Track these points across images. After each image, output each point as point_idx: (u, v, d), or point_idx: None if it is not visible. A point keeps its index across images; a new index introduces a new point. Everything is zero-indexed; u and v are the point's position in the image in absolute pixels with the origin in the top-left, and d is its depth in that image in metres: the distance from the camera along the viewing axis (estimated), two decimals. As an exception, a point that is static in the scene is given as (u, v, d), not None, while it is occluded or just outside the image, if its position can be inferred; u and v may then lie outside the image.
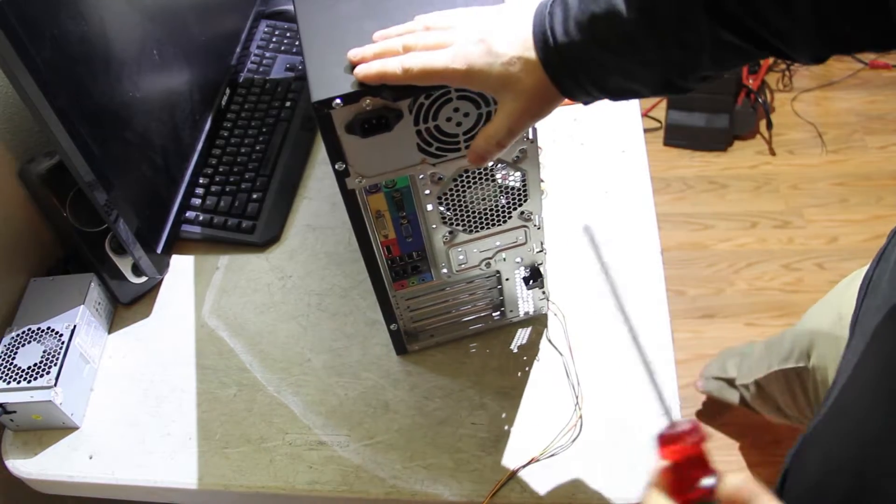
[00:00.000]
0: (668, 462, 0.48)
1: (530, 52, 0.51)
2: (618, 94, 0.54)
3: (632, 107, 1.03)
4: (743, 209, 1.92)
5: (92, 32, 0.78)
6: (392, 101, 0.56)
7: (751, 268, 1.80)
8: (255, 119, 1.06)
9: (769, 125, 2.05)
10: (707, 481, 0.46)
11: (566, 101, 0.55)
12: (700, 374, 1.50)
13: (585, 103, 0.55)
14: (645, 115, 2.08)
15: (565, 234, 0.90)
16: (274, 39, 1.19)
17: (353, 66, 0.56)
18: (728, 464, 1.49)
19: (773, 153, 2.04)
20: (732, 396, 1.40)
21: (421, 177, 0.64)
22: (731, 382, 1.38)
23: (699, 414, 1.52)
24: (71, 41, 0.74)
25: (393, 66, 0.54)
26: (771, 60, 2.16)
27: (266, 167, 1.01)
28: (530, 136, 0.63)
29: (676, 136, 2.07)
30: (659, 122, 2.10)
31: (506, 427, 0.76)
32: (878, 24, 0.45)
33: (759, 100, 2.03)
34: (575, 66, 0.51)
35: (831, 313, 0.95)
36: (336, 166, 0.60)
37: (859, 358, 0.54)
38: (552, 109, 0.55)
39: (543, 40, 0.51)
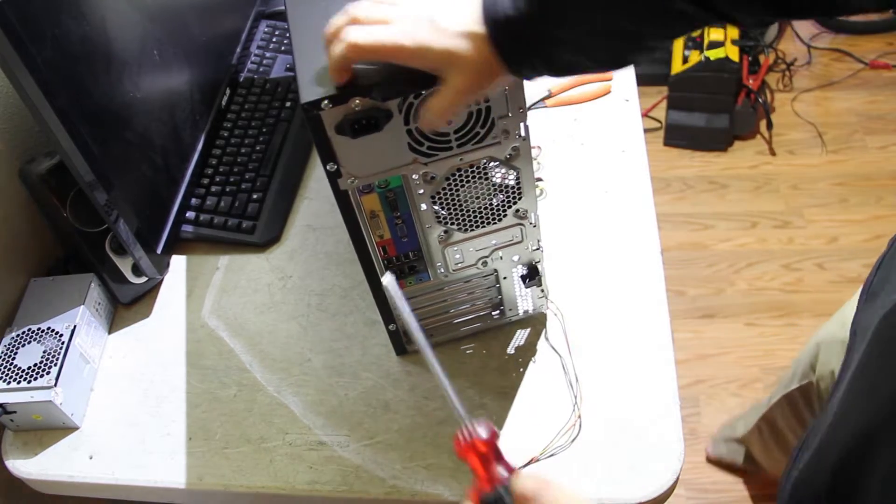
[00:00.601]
0: (467, 462, 0.52)
1: (478, 27, 0.51)
2: (563, 69, 0.53)
3: (632, 107, 1.03)
4: (743, 209, 1.92)
5: (92, 32, 0.78)
6: (381, 101, 0.56)
7: (751, 268, 1.80)
8: (255, 119, 1.06)
9: (769, 125, 2.05)
10: (498, 471, 0.51)
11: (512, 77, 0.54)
12: (711, 439, 1.49)
13: (528, 78, 0.55)
14: (645, 115, 2.08)
15: (565, 233, 0.90)
16: (274, 39, 1.19)
17: None
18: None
19: (773, 153, 2.04)
20: (739, 455, 1.37)
21: (414, 176, 0.63)
22: (739, 441, 1.35)
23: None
24: (71, 41, 0.74)
25: (339, 48, 0.53)
26: (771, 60, 2.16)
27: (266, 167, 1.01)
28: (522, 134, 0.62)
29: (676, 136, 2.07)
30: (659, 122, 2.10)
31: (505, 427, 0.76)
32: None
33: (759, 100, 2.03)
34: (523, 39, 0.51)
35: (834, 324, 0.96)
36: (328, 167, 0.60)
37: (859, 362, 0.54)
38: (495, 85, 0.55)
39: (492, 15, 0.50)
